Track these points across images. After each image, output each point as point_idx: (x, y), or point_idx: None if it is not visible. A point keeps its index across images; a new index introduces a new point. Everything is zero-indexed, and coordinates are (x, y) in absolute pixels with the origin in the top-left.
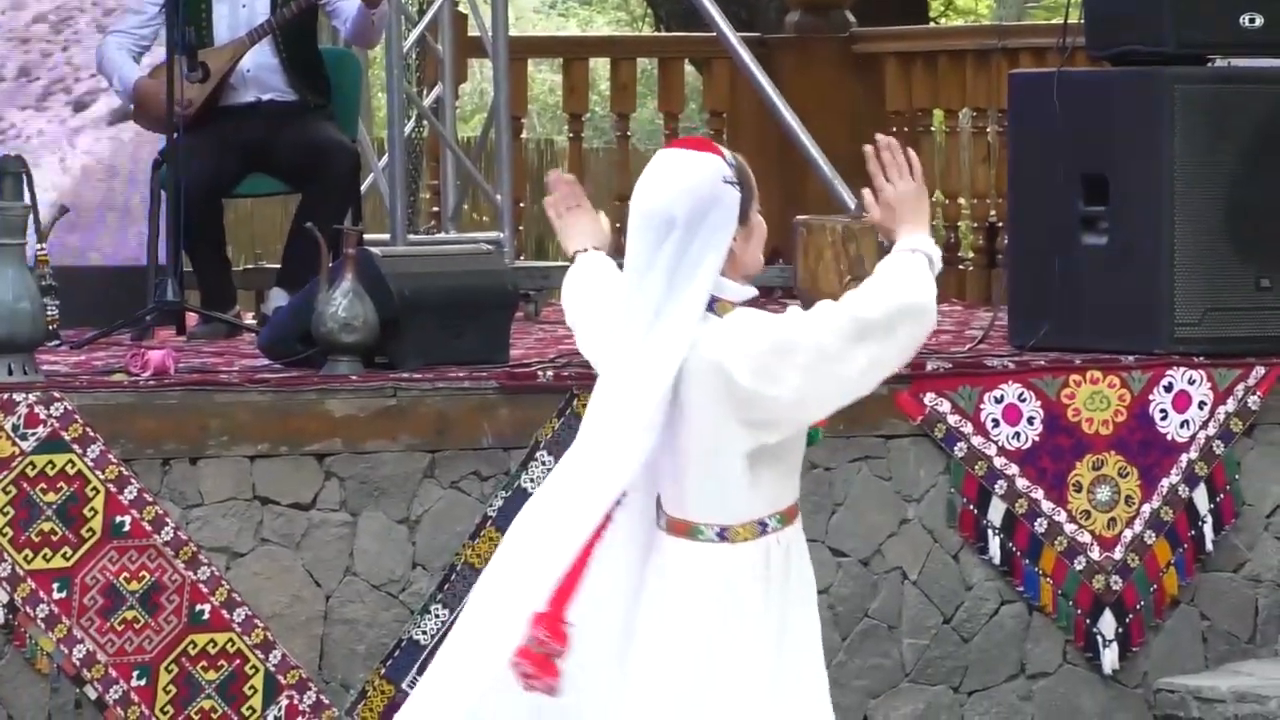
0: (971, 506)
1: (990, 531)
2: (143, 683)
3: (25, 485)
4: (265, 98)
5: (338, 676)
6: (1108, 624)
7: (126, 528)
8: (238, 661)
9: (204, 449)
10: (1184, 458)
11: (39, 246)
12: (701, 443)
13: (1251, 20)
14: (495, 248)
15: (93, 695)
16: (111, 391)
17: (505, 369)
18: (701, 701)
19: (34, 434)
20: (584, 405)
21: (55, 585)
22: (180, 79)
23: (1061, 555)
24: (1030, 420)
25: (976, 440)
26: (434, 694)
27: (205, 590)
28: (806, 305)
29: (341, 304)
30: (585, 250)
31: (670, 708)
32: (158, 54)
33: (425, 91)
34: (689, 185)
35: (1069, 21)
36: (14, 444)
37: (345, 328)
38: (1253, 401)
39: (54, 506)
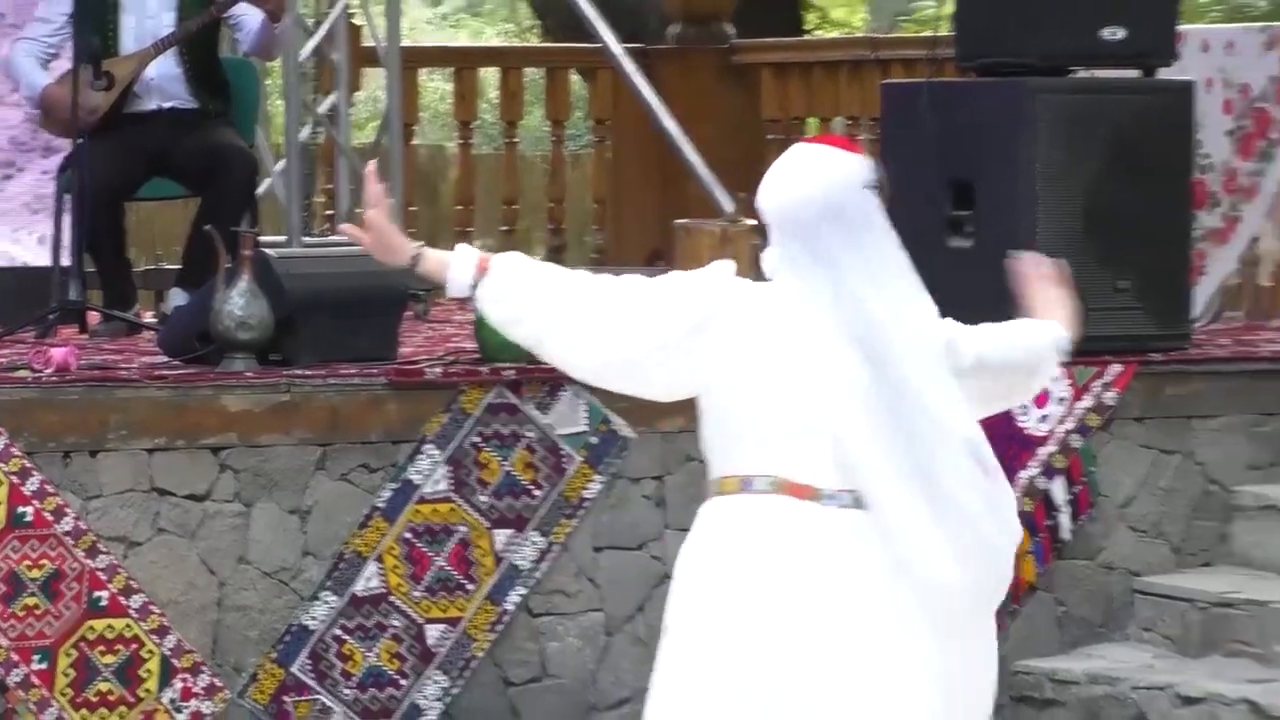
0: None
1: None
2: (43, 666)
3: None
4: (168, 105)
5: (231, 660)
6: None
7: (29, 518)
8: (134, 646)
9: (104, 442)
10: (1042, 451)
11: None
12: None
13: (1113, 33)
14: None
15: None
16: (15, 387)
17: (394, 366)
18: None
19: None
20: (470, 401)
21: None
22: (86, 86)
23: None
24: None
25: None
26: None
27: (104, 578)
28: None
29: (238, 303)
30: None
31: None
32: (67, 62)
33: (321, 99)
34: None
35: (939, 34)
36: None
37: (241, 326)
38: (1109, 397)
39: None
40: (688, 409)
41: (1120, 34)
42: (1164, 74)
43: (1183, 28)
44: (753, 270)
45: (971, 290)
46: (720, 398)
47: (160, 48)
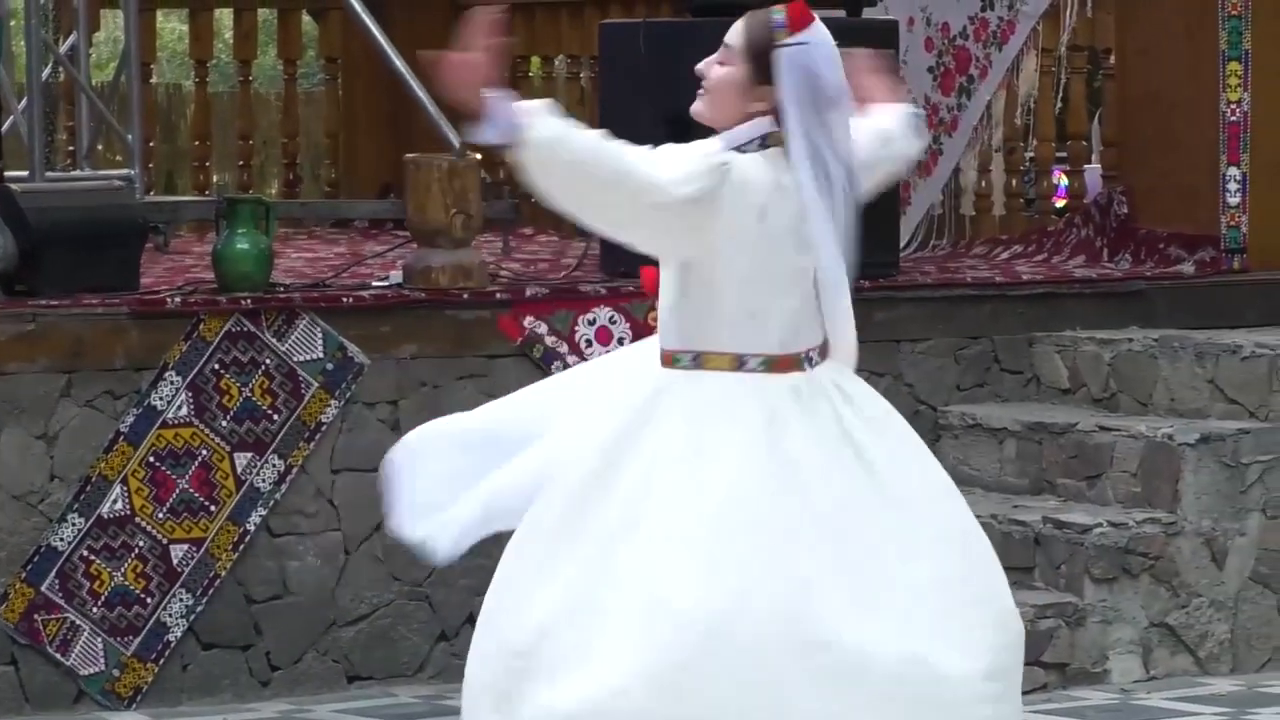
0: None
1: None
2: None
3: None
4: None
5: None
6: None
7: None
8: None
9: None
10: None
11: None
12: None
13: None
14: (127, 184)
15: None
16: None
17: (136, 295)
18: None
19: None
20: (209, 329)
21: None
22: None
23: None
24: (620, 340)
25: (571, 359)
26: None
27: None
28: (417, 237)
29: None
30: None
31: None
32: None
33: (62, 39)
34: None
35: None
36: None
37: None
38: None
39: None
40: (418, 336)
41: None
42: (869, 14)
43: None
44: (478, 204)
45: None
46: (714, 273)
47: None
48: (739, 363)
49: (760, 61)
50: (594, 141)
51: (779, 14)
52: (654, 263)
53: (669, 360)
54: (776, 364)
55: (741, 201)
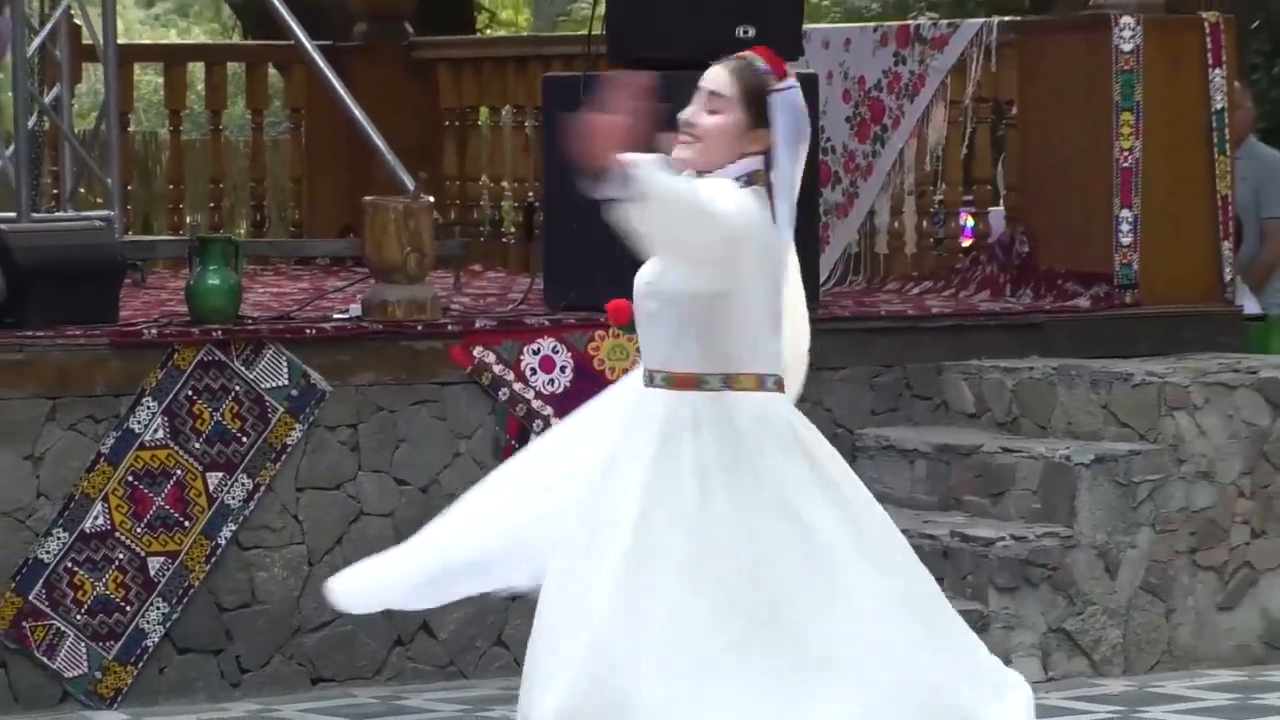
0: (514, 442)
1: None
2: None
3: None
4: None
5: None
6: None
7: None
8: None
9: None
10: None
11: None
12: None
13: (745, 31)
14: (106, 224)
15: None
16: None
17: (115, 327)
18: None
19: None
20: (183, 358)
21: None
22: None
23: None
24: (563, 369)
25: (517, 386)
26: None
27: None
28: (374, 273)
29: None
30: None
31: None
32: None
33: (46, 90)
34: None
35: (593, 33)
36: None
37: None
38: None
39: None
40: (375, 365)
41: (752, 32)
42: (791, 68)
43: (807, 27)
44: (431, 243)
45: (625, 260)
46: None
47: None
48: (761, 383)
49: (757, 107)
50: (681, 185)
51: (762, 62)
52: (626, 295)
53: (693, 383)
54: (780, 384)
55: (765, 235)
